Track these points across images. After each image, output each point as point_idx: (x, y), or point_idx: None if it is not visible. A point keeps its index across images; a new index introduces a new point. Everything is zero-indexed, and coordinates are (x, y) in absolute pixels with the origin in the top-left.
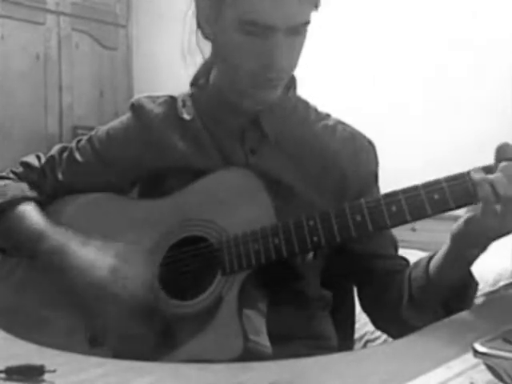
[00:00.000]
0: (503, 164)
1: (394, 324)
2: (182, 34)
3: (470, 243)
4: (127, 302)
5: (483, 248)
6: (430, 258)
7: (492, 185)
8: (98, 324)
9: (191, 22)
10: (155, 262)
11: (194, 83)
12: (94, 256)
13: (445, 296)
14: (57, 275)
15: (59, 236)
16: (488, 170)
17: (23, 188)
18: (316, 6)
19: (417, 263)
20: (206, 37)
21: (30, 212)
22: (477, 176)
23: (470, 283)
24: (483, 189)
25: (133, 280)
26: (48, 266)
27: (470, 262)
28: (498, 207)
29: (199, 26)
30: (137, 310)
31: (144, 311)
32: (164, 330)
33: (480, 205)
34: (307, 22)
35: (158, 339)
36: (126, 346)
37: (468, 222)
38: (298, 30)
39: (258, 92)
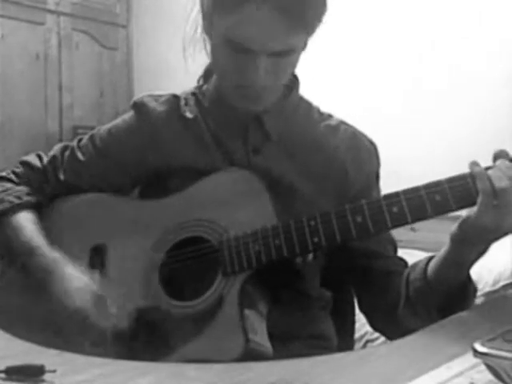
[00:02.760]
0: (498, 161)
1: (390, 326)
2: (185, 24)
3: (467, 244)
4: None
5: (481, 250)
6: (429, 260)
7: (489, 178)
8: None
9: (197, 12)
10: (156, 262)
11: (201, 80)
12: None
13: (441, 300)
14: (43, 292)
15: (46, 259)
16: (486, 169)
17: (20, 194)
18: (308, 32)
19: (415, 265)
20: (206, 32)
21: (24, 223)
22: (476, 169)
23: (468, 288)
24: (482, 180)
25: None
26: (36, 283)
27: (469, 265)
28: (495, 202)
29: (203, 18)
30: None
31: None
32: (165, 330)
33: (475, 207)
34: (294, 49)
35: (159, 339)
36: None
37: (464, 221)
38: (283, 54)
39: (244, 102)
